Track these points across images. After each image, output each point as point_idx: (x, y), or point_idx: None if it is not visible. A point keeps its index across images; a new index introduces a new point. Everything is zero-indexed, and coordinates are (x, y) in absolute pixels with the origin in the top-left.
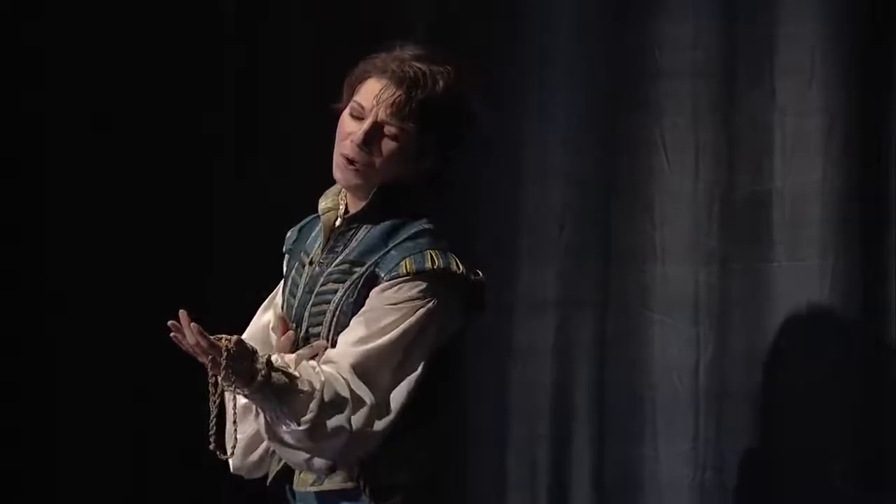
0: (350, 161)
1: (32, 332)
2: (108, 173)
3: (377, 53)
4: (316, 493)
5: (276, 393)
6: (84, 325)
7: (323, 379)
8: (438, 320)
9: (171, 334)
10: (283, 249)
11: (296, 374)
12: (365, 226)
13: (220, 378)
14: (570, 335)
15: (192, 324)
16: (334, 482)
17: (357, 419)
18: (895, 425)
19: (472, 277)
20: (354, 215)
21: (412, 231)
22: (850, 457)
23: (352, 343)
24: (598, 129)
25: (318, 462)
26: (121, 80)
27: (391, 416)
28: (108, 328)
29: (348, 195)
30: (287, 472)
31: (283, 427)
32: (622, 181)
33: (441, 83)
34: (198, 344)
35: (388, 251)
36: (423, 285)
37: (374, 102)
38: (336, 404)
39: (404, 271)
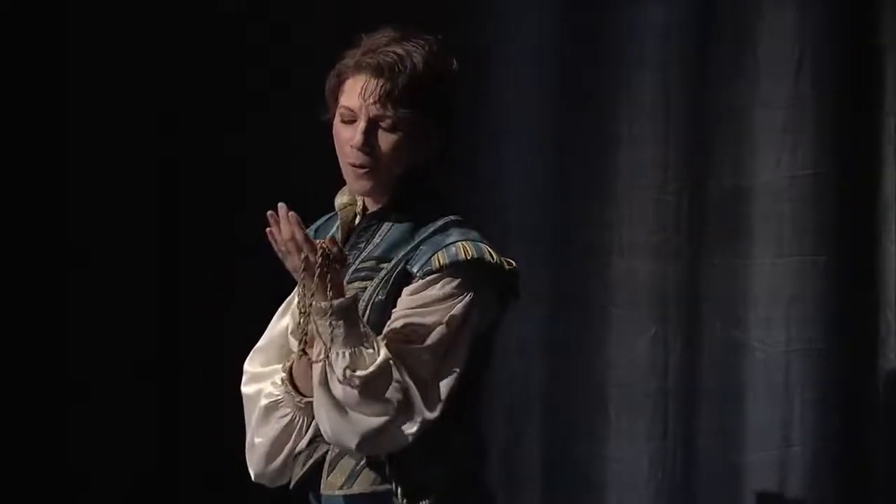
0: (359, 167)
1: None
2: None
3: (345, 52)
4: (344, 496)
5: (352, 329)
6: (97, 320)
7: (389, 354)
8: (477, 313)
9: (267, 230)
10: None
11: (371, 333)
12: (387, 220)
13: (309, 283)
14: (534, 331)
15: (291, 213)
16: (364, 485)
17: (403, 409)
18: (887, 421)
19: (506, 266)
20: (376, 212)
21: (439, 224)
22: (833, 457)
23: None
24: (565, 120)
25: (355, 430)
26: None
27: (431, 417)
28: (124, 321)
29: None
30: (312, 478)
31: (338, 370)
32: (589, 174)
33: (420, 59)
34: (292, 238)
35: (417, 246)
36: (458, 280)
37: (361, 101)
38: (392, 381)
39: (437, 265)
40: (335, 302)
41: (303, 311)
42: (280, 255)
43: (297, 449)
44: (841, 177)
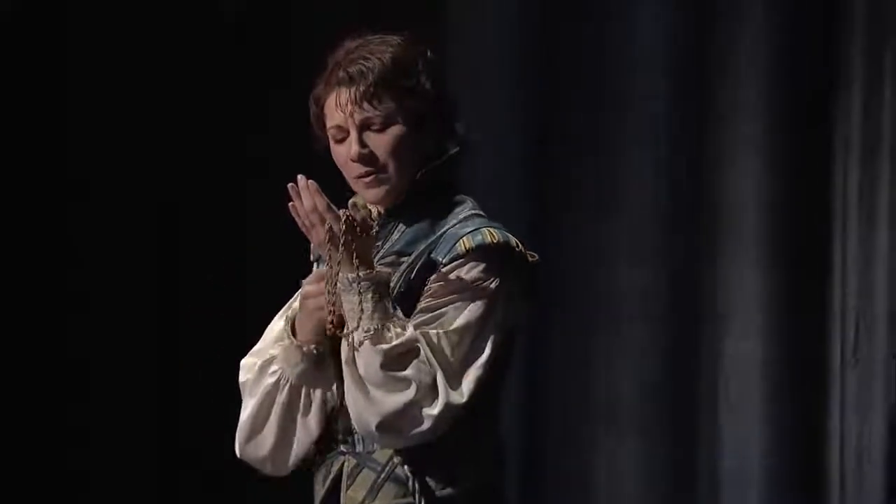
0: (365, 177)
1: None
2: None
3: (315, 81)
4: None
5: (379, 304)
6: (97, 320)
7: (415, 334)
8: (504, 300)
9: (290, 204)
10: (311, 258)
11: (400, 314)
12: (404, 216)
13: (335, 255)
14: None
15: (310, 181)
16: (386, 499)
17: (426, 390)
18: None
19: (529, 258)
20: (392, 210)
21: (461, 216)
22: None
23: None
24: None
25: (376, 410)
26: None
27: (456, 401)
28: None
29: None
30: (331, 493)
31: (361, 341)
32: (579, 180)
33: (388, 56)
34: (314, 209)
35: (440, 236)
36: (484, 265)
37: (343, 113)
38: (417, 360)
39: (463, 250)
40: (362, 273)
41: (330, 287)
42: (305, 230)
43: (308, 431)
44: (799, 186)
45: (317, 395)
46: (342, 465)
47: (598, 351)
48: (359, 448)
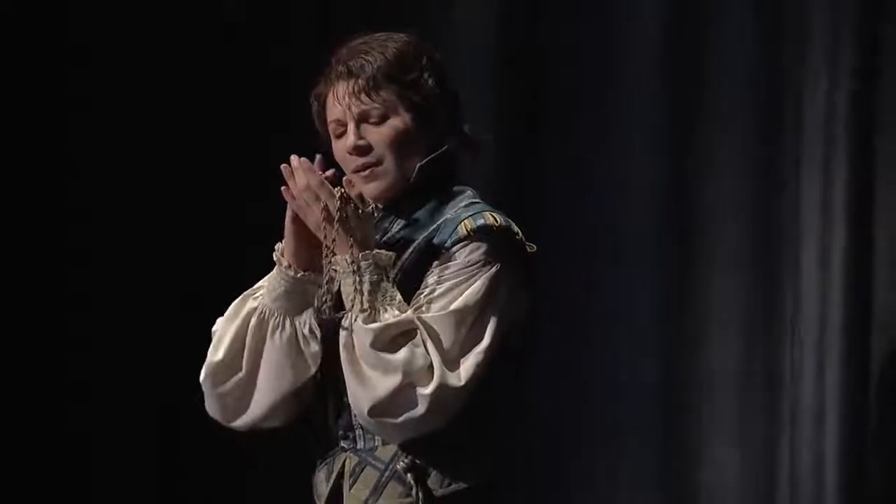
0: (363, 170)
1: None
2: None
3: (319, 77)
4: None
5: (377, 286)
6: (97, 320)
7: (413, 317)
8: (506, 283)
9: (283, 189)
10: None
11: (399, 296)
12: (404, 208)
13: (329, 235)
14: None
15: (302, 159)
16: (391, 499)
17: (419, 372)
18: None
19: (528, 248)
20: (391, 203)
21: (461, 204)
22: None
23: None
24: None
25: (369, 395)
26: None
27: (452, 384)
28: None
29: None
30: (337, 492)
31: (355, 318)
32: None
33: (391, 50)
34: (307, 187)
35: (441, 223)
36: (486, 246)
37: (341, 106)
38: (411, 342)
39: (465, 232)
40: (359, 254)
41: (328, 270)
42: (301, 214)
43: (270, 381)
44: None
45: (284, 337)
46: (344, 462)
47: (597, 351)
48: (360, 444)
